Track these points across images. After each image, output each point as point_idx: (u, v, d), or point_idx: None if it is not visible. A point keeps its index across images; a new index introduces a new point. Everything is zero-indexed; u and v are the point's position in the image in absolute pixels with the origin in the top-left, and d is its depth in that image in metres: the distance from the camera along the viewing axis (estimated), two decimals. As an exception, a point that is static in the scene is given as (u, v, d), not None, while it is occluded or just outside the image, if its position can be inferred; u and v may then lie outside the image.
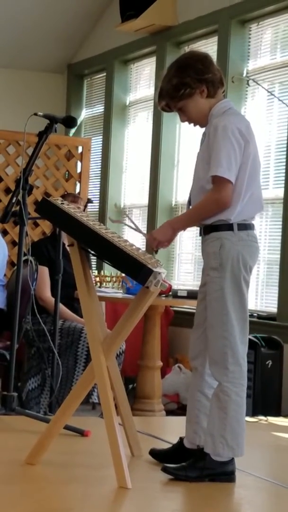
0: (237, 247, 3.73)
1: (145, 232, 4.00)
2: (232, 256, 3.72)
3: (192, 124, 3.91)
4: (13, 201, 4.47)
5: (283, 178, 6.17)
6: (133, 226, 4.05)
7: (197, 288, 3.95)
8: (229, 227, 3.74)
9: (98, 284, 6.57)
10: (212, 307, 3.75)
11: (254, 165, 3.78)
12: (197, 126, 3.91)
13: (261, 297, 6.42)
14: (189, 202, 3.91)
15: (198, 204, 3.78)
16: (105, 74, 8.29)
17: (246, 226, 3.77)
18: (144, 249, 4.15)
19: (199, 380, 3.86)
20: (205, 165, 3.77)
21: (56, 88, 8.83)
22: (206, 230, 3.80)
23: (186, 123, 3.92)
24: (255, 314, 6.18)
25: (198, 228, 3.89)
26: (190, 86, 3.79)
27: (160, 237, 3.82)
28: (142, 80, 7.96)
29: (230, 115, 3.78)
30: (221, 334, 3.71)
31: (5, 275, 5.51)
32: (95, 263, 7.61)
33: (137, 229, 4.05)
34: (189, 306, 5.90)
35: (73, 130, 8.45)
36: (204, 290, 3.83)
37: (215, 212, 3.72)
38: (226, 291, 3.71)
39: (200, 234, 3.86)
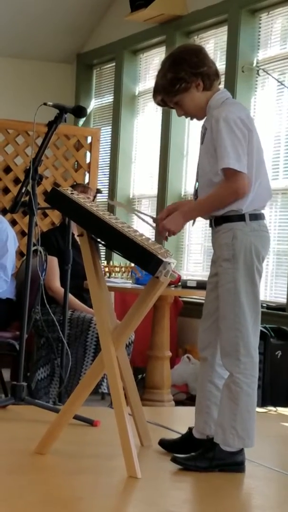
0: (250, 238, 3.72)
1: (153, 219, 3.96)
2: (245, 247, 3.71)
3: (189, 118, 3.90)
4: (23, 191, 4.47)
5: (293, 168, 6.16)
6: (142, 217, 4.04)
7: (206, 279, 3.95)
8: (240, 217, 3.73)
9: (108, 274, 6.57)
10: (224, 298, 3.73)
11: (259, 154, 3.77)
12: (195, 120, 3.89)
13: (270, 287, 6.41)
14: (196, 196, 3.88)
15: (213, 194, 3.74)
16: (114, 64, 8.28)
17: (257, 216, 3.76)
18: (153, 239, 4.14)
19: (209, 370, 3.86)
20: (209, 159, 3.74)
21: (65, 78, 8.81)
22: (217, 221, 3.78)
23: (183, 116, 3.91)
24: (264, 305, 6.17)
25: (208, 220, 3.88)
26: (185, 80, 3.77)
27: (172, 227, 3.79)
28: (152, 70, 7.93)
29: (229, 105, 3.76)
30: (234, 326, 3.71)
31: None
32: (104, 253, 7.61)
33: (145, 219, 4.03)
34: (198, 296, 5.90)
35: (82, 120, 8.43)
36: (214, 281, 3.82)
37: (231, 202, 3.71)
38: (239, 282, 3.70)
39: (210, 226, 3.85)
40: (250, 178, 3.71)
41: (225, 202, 3.71)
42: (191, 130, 7.28)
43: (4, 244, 5.28)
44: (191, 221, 3.91)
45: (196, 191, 3.86)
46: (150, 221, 3.99)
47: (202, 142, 3.83)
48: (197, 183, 3.86)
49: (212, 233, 3.83)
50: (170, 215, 3.81)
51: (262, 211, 3.82)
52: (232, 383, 3.71)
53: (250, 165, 3.70)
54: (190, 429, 3.95)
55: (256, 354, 3.74)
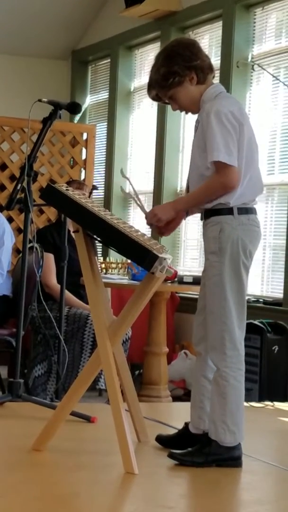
0: (237, 232, 3.72)
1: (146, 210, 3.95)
2: (231, 241, 3.71)
3: (184, 112, 3.90)
4: (18, 188, 4.47)
5: (289, 163, 6.16)
6: (136, 198, 4.01)
7: (203, 274, 3.95)
8: (229, 211, 3.73)
9: (104, 270, 6.57)
10: (210, 292, 3.74)
11: (250, 148, 3.76)
12: (190, 115, 3.89)
13: (267, 282, 6.41)
14: (188, 191, 3.89)
15: (203, 187, 3.74)
16: (109, 60, 8.27)
17: (246, 210, 3.76)
18: (149, 235, 4.14)
19: (203, 365, 3.86)
20: (201, 153, 3.74)
21: (60, 75, 8.81)
22: (206, 215, 3.79)
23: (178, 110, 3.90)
24: (261, 300, 6.18)
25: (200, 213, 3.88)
26: (179, 74, 3.77)
27: (160, 213, 3.79)
28: (147, 66, 7.93)
29: (222, 99, 3.76)
30: (220, 319, 3.71)
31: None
32: (100, 249, 7.61)
33: (139, 204, 3.99)
34: (195, 292, 5.87)
35: (77, 117, 8.43)
36: (206, 275, 3.82)
37: (221, 195, 3.71)
38: (225, 276, 3.70)
39: (201, 219, 3.85)
40: (239, 172, 3.71)
41: (215, 194, 3.71)
42: (186, 126, 7.28)
43: (1, 238, 5.29)
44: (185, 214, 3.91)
45: (188, 185, 3.87)
46: (143, 207, 3.96)
47: (195, 136, 3.83)
48: (189, 177, 3.86)
49: (202, 226, 3.84)
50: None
51: (254, 206, 3.81)
52: (219, 377, 3.71)
53: (239, 159, 3.70)
54: (186, 424, 3.95)
55: (242, 348, 3.75)
